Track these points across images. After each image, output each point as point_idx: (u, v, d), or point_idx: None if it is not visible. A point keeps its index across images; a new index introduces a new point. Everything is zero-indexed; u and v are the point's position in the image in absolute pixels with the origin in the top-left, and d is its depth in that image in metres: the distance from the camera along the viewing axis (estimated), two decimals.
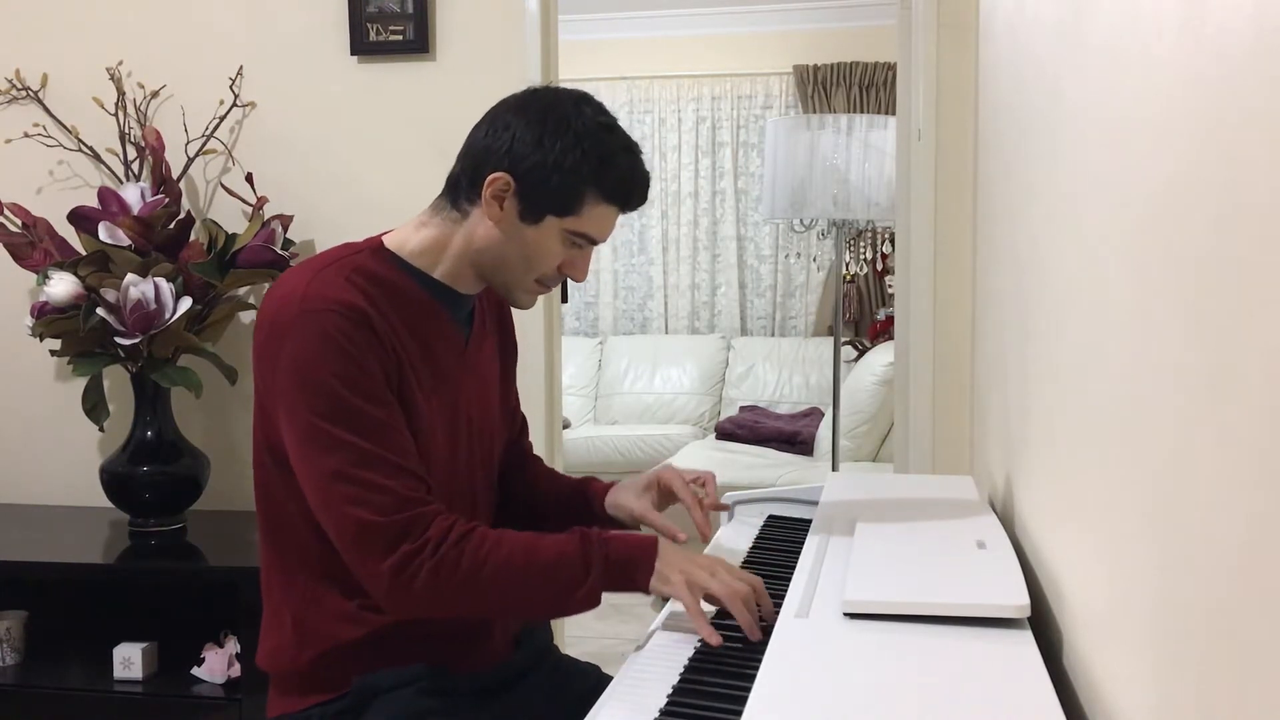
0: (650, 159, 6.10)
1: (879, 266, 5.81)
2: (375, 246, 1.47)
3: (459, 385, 1.51)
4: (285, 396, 1.36)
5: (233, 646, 2.42)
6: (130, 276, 2.42)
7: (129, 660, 2.43)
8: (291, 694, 1.49)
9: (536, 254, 1.44)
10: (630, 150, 1.44)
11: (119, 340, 2.44)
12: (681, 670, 1.24)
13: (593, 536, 1.39)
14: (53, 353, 2.58)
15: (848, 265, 5.76)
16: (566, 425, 5.67)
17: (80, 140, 2.75)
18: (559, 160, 1.39)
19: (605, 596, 1.39)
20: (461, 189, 1.46)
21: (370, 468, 1.33)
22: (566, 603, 1.38)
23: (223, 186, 2.73)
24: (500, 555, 1.35)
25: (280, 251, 2.54)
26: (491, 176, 1.41)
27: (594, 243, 1.46)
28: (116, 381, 2.71)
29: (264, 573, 1.51)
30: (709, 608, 1.39)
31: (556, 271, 1.47)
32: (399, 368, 1.41)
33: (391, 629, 1.44)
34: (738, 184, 6.11)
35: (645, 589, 1.38)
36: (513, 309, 1.62)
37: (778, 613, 1.28)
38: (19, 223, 2.61)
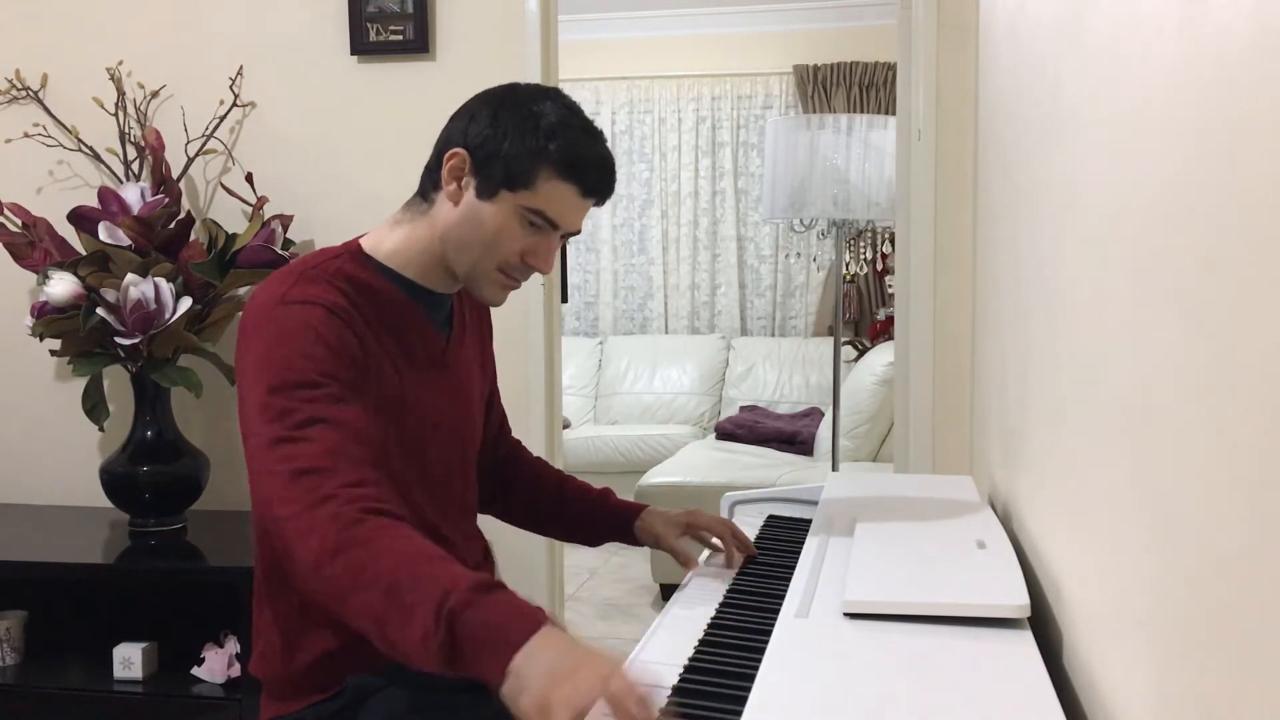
0: (650, 159, 6.11)
1: (879, 266, 5.81)
2: (353, 250, 1.48)
3: (437, 385, 1.51)
4: (246, 375, 1.33)
5: (232, 646, 2.42)
6: (130, 276, 2.42)
7: (129, 660, 2.43)
8: (284, 699, 1.49)
9: (495, 234, 1.41)
10: (589, 132, 1.42)
11: (119, 340, 2.44)
12: (681, 670, 1.23)
13: (483, 586, 1.12)
14: (53, 353, 2.58)
15: (848, 265, 5.77)
16: (566, 425, 5.67)
17: (80, 140, 2.75)
18: (507, 131, 1.39)
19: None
20: (429, 179, 1.48)
21: (315, 428, 1.27)
22: (400, 634, 1.13)
23: (223, 186, 2.73)
24: (391, 542, 1.17)
25: (280, 251, 2.54)
26: (448, 154, 1.43)
27: (554, 226, 1.42)
28: (116, 381, 2.72)
29: (256, 581, 1.51)
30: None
31: (521, 261, 1.44)
32: (379, 366, 1.40)
33: None
34: (738, 184, 6.11)
35: (496, 681, 1.09)
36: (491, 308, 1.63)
37: None
38: (19, 223, 2.61)
